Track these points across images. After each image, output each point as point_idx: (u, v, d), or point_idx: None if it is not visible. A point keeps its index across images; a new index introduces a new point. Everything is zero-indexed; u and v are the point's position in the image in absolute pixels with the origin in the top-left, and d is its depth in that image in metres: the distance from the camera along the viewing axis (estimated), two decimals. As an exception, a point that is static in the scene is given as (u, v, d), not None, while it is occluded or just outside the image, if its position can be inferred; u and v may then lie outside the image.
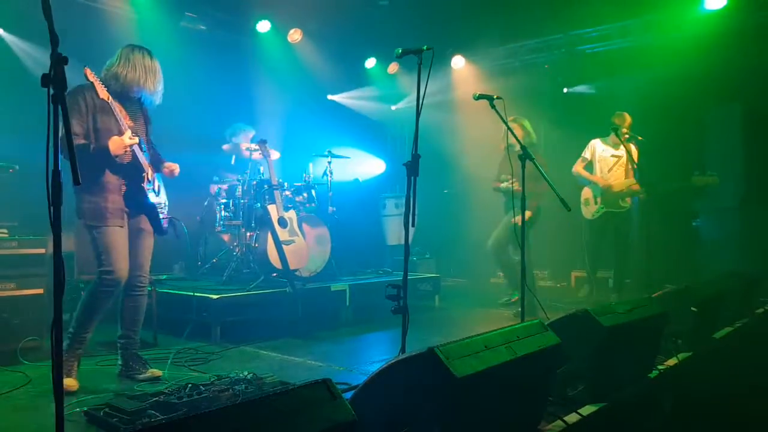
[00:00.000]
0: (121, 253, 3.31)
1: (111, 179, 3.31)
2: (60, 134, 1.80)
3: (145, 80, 3.39)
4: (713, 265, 6.13)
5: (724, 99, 6.81)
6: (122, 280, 3.31)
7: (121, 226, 3.33)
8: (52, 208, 1.70)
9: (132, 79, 3.36)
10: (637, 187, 5.92)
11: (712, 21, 6.63)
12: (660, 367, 3.43)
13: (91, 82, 3.17)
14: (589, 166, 6.20)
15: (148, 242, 3.54)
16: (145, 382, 3.38)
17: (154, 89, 3.46)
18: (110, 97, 3.23)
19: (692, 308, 3.86)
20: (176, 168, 3.61)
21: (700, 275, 5.75)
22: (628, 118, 5.86)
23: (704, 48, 6.37)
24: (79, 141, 3.16)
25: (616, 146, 6.09)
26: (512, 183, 5.34)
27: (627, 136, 5.83)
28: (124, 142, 3.22)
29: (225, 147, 6.20)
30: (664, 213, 6.61)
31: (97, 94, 3.19)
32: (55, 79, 1.70)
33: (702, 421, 3.25)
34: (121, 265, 3.30)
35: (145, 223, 3.50)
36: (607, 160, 6.13)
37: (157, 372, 3.48)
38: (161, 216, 3.53)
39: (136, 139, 3.30)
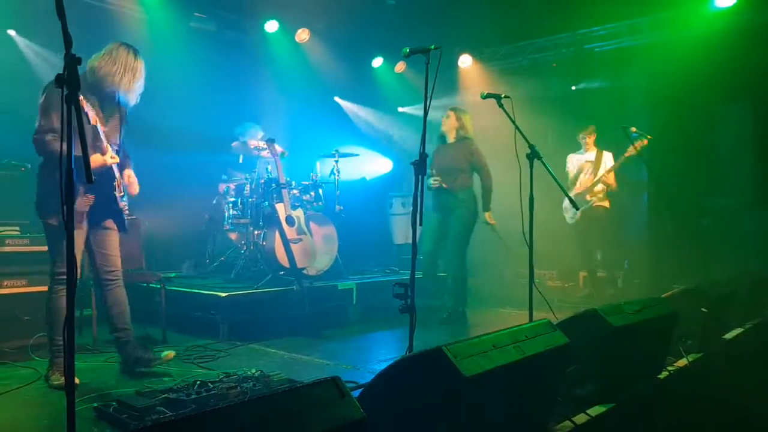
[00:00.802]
0: (78, 255, 3.32)
1: (80, 184, 3.24)
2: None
3: (120, 78, 3.33)
4: (724, 265, 6.09)
5: (735, 97, 6.75)
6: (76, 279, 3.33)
7: (81, 231, 3.33)
8: (64, 206, 1.72)
9: (106, 73, 3.30)
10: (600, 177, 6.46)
11: (722, 19, 6.58)
12: (670, 368, 3.41)
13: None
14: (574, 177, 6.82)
15: (114, 239, 3.54)
16: (161, 364, 3.46)
17: (129, 87, 3.38)
18: (87, 104, 3.14)
19: (702, 309, 3.83)
20: (135, 184, 3.57)
21: (710, 275, 5.71)
22: (591, 128, 6.71)
23: (714, 46, 6.32)
24: (56, 141, 3.14)
25: (588, 152, 6.74)
26: (437, 180, 5.40)
27: (588, 142, 6.70)
28: (106, 162, 3.24)
29: (234, 144, 6.24)
30: (674, 212, 6.58)
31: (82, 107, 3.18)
32: (69, 79, 1.72)
33: (712, 422, 3.23)
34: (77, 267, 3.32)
35: (110, 222, 3.51)
36: (582, 166, 6.73)
37: (170, 354, 3.55)
38: (125, 218, 3.56)
39: (117, 159, 3.31)
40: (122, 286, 3.57)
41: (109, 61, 3.32)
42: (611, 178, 6.51)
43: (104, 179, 3.35)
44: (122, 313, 3.52)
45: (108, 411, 2.65)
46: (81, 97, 3.12)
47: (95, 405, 2.78)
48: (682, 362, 3.55)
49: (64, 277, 3.19)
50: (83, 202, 3.30)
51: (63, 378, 3.20)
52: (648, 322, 3.02)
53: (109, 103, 3.42)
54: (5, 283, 3.92)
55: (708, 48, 6.33)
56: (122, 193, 3.47)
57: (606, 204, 6.58)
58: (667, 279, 5.87)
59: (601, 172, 6.56)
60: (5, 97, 4.95)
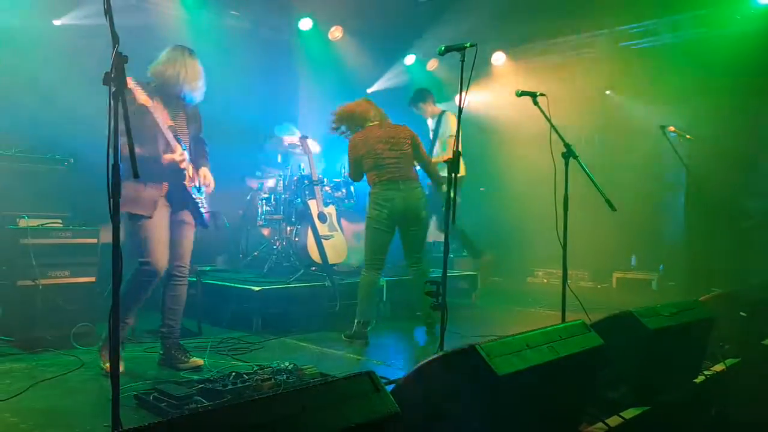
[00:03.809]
0: (161, 244, 3.41)
1: (153, 175, 3.38)
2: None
3: (184, 78, 3.50)
4: (764, 269, 5.93)
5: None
6: (161, 270, 3.42)
7: (161, 218, 3.44)
8: (111, 200, 1.78)
9: (170, 76, 3.48)
10: None
11: (766, 16, 6.40)
12: (706, 372, 3.35)
13: (130, 89, 3.25)
14: None
15: (189, 234, 3.64)
16: (187, 371, 3.48)
17: (193, 86, 3.55)
18: (151, 102, 3.28)
19: (741, 313, 3.76)
20: (211, 182, 3.68)
21: (749, 279, 5.57)
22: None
23: (757, 44, 6.16)
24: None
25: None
26: None
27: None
28: (174, 159, 3.38)
29: (270, 143, 6.37)
30: (712, 214, 6.43)
31: (134, 99, 3.26)
32: (116, 76, 1.78)
33: (748, 429, 3.17)
34: (160, 256, 3.40)
35: (187, 216, 3.60)
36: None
37: (198, 361, 3.56)
38: (203, 210, 3.63)
39: (186, 156, 3.44)
40: (186, 285, 3.67)
41: (168, 64, 3.49)
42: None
43: (174, 171, 3.46)
44: (177, 311, 3.63)
45: (148, 399, 2.73)
46: (152, 102, 3.29)
47: (135, 393, 2.87)
48: (719, 367, 3.48)
49: (147, 267, 3.33)
50: (152, 192, 3.41)
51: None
52: (685, 326, 2.98)
53: (174, 104, 3.56)
54: (50, 274, 4.04)
55: (750, 46, 6.17)
56: (194, 184, 3.56)
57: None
58: (703, 282, 5.74)
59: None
60: (52, 93, 5.10)
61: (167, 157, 3.37)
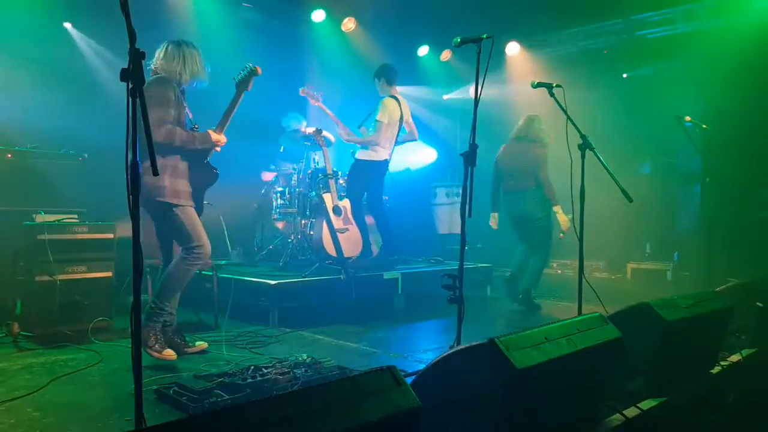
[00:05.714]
0: (203, 228, 3.57)
1: (186, 163, 3.59)
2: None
3: (200, 71, 3.67)
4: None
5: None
6: (209, 252, 3.57)
7: (193, 206, 3.60)
8: (131, 196, 1.80)
9: (196, 73, 3.64)
10: None
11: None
12: (723, 363, 3.34)
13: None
14: None
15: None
16: (193, 354, 3.63)
17: (205, 77, 3.72)
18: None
19: (758, 303, 3.73)
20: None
21: (766, 268, 5.51)
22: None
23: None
24: (175, 127, 3.45)
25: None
26: None
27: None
28: (219, 141, 3.65)
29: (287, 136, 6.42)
30: (728, 203, 6.36)
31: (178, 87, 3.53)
32: (133, 73, 1.79)
33: (765, 419, 3.15)
34: (206, 239, 3.56)
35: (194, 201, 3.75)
36: None
37: (203, 344, 3.73)
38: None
39: (225, 139, 3.67)
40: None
41: (190, 61, 3.62)
42: None
43: (201, 158, 3.67)
44: (178, 297, 3.71)
45: (168, 393, 2.76)
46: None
47: (155, 387, 2.90)
48: (736, 357, 3.47)
49: (198, 251, 3.46)
50: (184, 183, 3.56)
51: (161, 353, 3.42)
52: (702, 317, 2.96)
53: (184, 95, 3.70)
54: (67, 269, 4.09)
55: (766, 35, 6.09)
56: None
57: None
58: (719, 272, 5.69)
59: None
60: (65, 91, 5.15)
61: (220, 141, 3.65)
